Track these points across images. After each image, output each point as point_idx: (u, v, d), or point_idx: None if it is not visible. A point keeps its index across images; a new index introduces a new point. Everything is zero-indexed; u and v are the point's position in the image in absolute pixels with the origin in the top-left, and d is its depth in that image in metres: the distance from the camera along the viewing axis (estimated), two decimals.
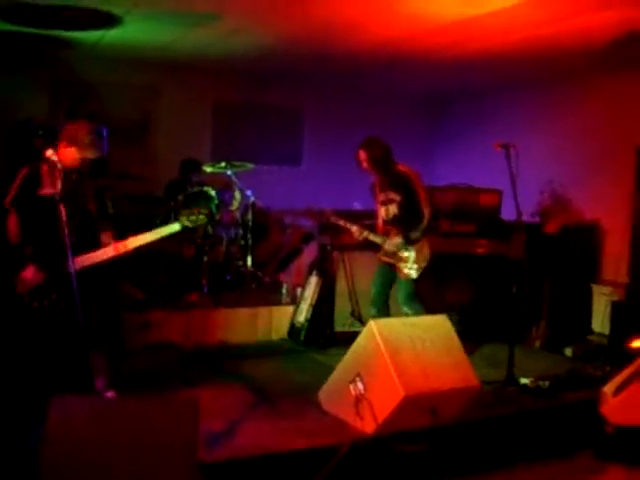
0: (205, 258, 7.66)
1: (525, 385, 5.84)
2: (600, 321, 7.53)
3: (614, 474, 5.08)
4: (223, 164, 7.91)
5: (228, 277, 8.01)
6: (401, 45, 7.58)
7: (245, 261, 8.10)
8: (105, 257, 4.77)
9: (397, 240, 6.07)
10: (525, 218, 8.21)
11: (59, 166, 4.50)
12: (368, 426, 4.59)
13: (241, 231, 8.17)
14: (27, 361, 4.76)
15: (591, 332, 7.66)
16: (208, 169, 8.05)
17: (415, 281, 6.13)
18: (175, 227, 5.00)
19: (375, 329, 4.66)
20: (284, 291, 7.66)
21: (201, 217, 5.02)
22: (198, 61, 8.98)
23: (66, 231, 4.17)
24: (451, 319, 5.23)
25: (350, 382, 4.72)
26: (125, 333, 5.94)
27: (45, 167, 4.73)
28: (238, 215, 8.13)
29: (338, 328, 7.01)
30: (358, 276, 6.94)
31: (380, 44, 7.58)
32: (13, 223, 4.76)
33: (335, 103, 10.54)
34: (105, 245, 4.84)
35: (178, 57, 8.72)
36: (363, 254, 6.96)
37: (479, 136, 9.79)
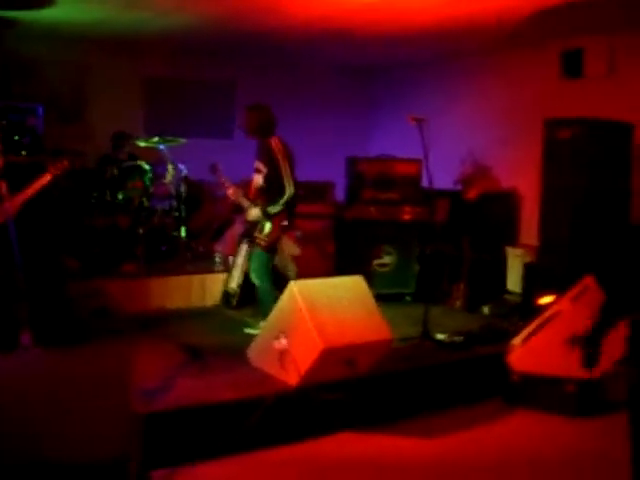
0: (140, 230, 7.94)
1: (441, 340, 6.29)
2: (514, 281, 8.04)
3: (519, 416, 5.57)
4: (156, 139, 8.20)
5: (163, 248, 8.30)
6: (321, 23, 7.88)
7: (180, 232, 8.41)
8: None
9: (256, 211, 6.24)
10: (448, 186, 8.77)
11: None
12: (292, 378, 4.98)
13: (175, 203, 8.46)
14: None
15: (507, 292, 8.16)
16: (142, 144, 8.32)
17: (269, 256, 6.37)
18: (47, 177, 5.42)
19: (295, 289, 5.04)
20: (217, 259, 8.00)
21: (65, 163, 5.50)
22: (131, 38, 9.17)
23: None
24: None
25: (275, 338, 5.12)
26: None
27: None
28: (172, 188, 8.41)
29: None
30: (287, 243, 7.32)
31: (300, 23, 7.88)
32: None
33: (266, 76, 10.69)
34: None
35: (110, 36, 8.92)
36: None
37: (408, 107, 10.12)
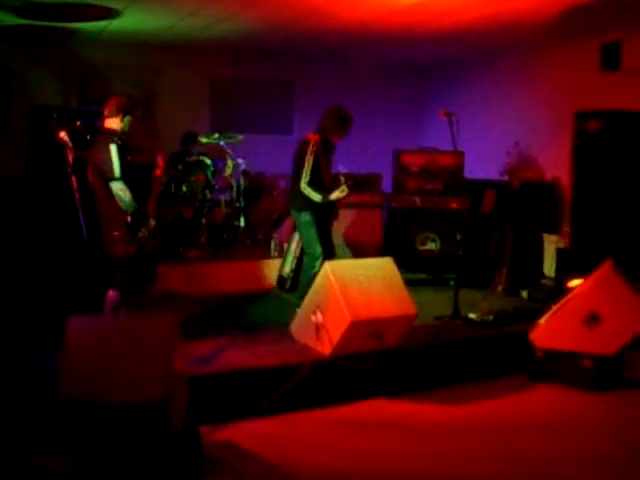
0: (204, 220, 8.62)
1: (471, 319, 6.77)
2: (549, 266, 8.47)
3: (540, 390, 6.00)
4: (216, 135, 8.87)
5: (224, 235, 8.96)
6: (367, 26, 8.47)
7: (239, 221, 9.08)
8: None
9: None
10: (495, 176, 9.24)
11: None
12: (326, 349, 5.60)
13: (235, 195, 9.11)
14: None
15: (544, 276, 8.59)
16: (203, 140, 9.00)
17: None
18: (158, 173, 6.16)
19: (329, 269, 5.67)
20: (272, 246, 8.62)
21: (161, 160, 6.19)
22: (194, 42, 9.88)
23: None
24: None
25: (312, 313, 5.74)
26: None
27: None
28: (232, 181, 9.07)
29: None
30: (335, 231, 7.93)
31: (348, 26, 8.49)
32: None
33: (323, 74, 11.37)
34: None
35: (175, 40, 9.65)
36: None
37: (457, 102, 10.58)
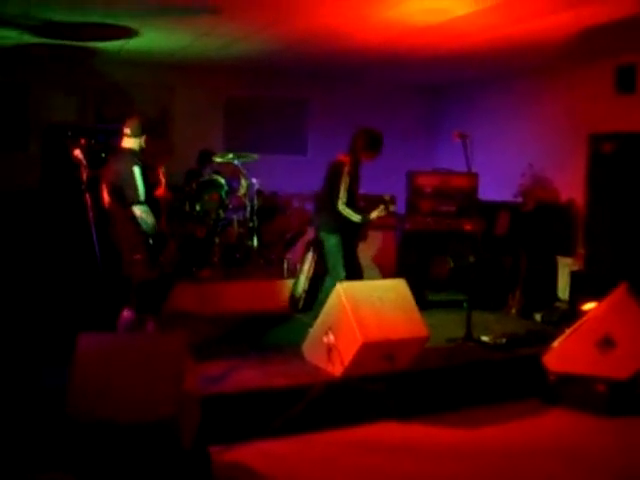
0: (217, 239, 8.62)
1: (484, 341, 6.74)
2: (563, 289, 8.42)
3: (552, 414, 5.95)
4: (230, 155, 8.89)
5: (237, 255, 8.95)
6: (381, 47, 8.51)
7: (253, 241, 9.07)
8: None
9: None
10: (508, 198, 9.21)
11: None
12: (337, 370, 5.58)
13: (248, 214, 9.10)
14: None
15: (558, 299, 8.53)
16: (218, 160, 9.02)
17: None
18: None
19: (341, 290, 5.67)
20: (285, 266, 8.62)
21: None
22: (209, 62, 9.94)
23: None
24: None
25: (324, 334, 5.72)
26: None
27: None
28: (246, 200, 9.06)
29: None
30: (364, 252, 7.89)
31: (362, 47, 8.53)
32: None
33: (337, 95, 11.38)
34: None
35: (190, 60, 9.71)
36: None
37: (471, 123, 10.57)
